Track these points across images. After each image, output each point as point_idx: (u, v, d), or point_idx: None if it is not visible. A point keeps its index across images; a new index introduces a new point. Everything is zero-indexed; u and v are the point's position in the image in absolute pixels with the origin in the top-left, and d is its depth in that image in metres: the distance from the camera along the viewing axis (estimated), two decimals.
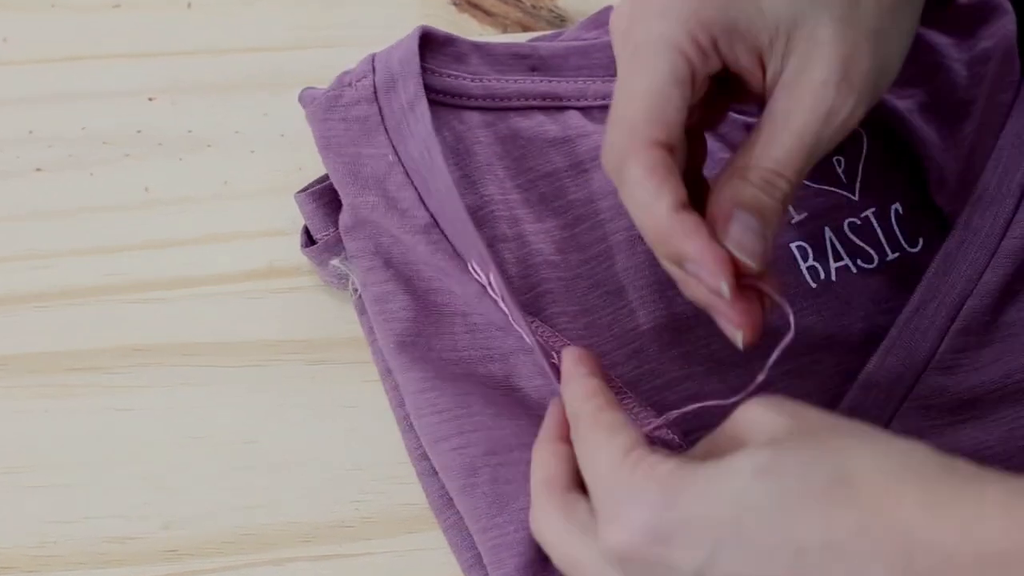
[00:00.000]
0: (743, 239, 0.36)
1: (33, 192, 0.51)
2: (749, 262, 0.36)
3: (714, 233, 0.36)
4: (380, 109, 0.46)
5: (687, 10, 0.37)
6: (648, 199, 0.36)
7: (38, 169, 0.52)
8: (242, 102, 0.54)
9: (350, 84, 0.47)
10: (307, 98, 0.49)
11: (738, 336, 0.37)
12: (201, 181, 0.52)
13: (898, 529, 0.30)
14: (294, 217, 0.49)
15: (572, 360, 0.41)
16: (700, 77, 0.37)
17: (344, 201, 0.47)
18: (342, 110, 0.47)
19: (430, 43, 0.48)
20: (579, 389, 0.39)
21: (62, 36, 0.55)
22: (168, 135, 0.53)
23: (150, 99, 0.54)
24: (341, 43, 0.55)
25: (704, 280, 0.36)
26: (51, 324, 0.49)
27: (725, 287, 0.35)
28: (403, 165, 0.46)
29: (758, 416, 0.34)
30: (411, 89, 0.46)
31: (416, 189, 0.46)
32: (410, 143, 0.45)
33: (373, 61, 0.48)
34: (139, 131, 0.53)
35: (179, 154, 0.52)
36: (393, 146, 0.46)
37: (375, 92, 0.47)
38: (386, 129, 0.46)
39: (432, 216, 0.45)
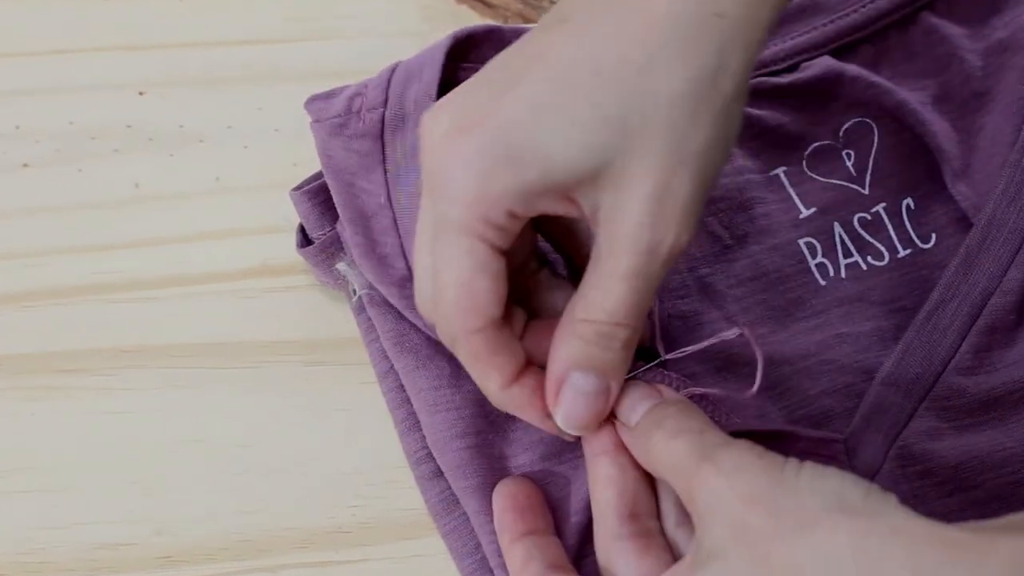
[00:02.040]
0: (573, 407, 0.38)
1: (20, 188, 0.51)
2: (574, 432, 0.39)
3: (548, 394, 0.39)
4: (383, 147, 0.46)
5: (473, 192, 0.36)
6: (480, 380, 0.39)
7: (25, 165, 0.52)
8: (235, 96, 0.53)
9: (359, 112, 0.47)
10: (314, 110, 0.48)
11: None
12: (193, 177, 0.52)
13: None
14: (289, 214, 0.49)
15: (498, 511, 0.42)
16: (508, 245, 0.38)
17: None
18: (345, 140, 0.47)
19: (474, 42, 0.48)
20: (514, 562, 0.40)
21: (49, 28, 0.55)
22: (159, 130, 0.53)
23: (140, 93, 0.53)
24: (338, 35, 0.55)
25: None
26: (39, 324, 0.48)
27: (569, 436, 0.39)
28: (392, 210, 0.45)
29: (718, 505, 0.35)
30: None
31: (400, 238, 0.45)
32: (404, 191, 0.45)
33: (388, 88, 0.47)
34: (129, 126, 0.53)
35: (170, 149, 0.52)
36: (388, 189, 0.46)
37: (382, 128, 0.46)
38: (384, 170, 0.46)
39: (410, 269, 0.45)
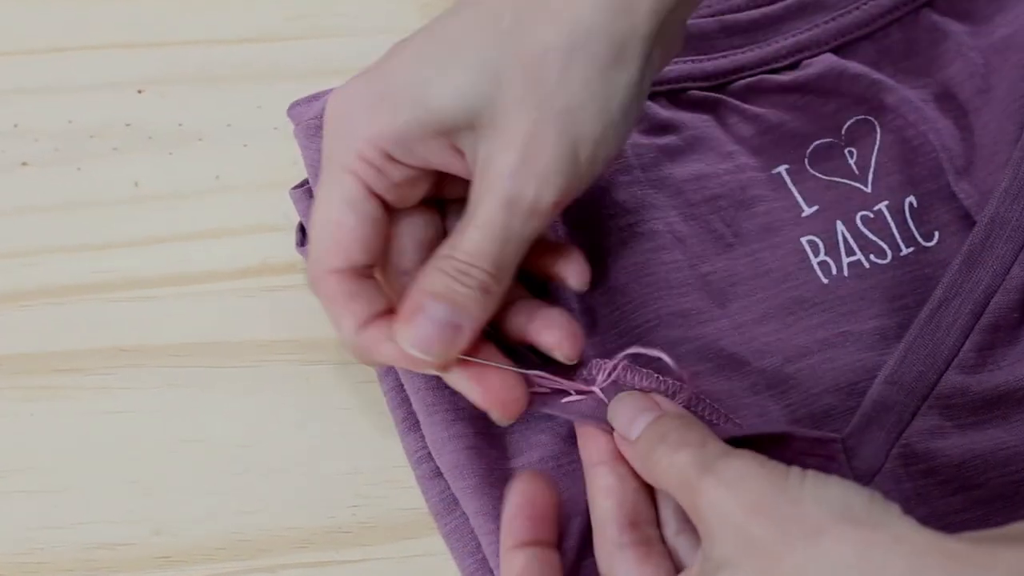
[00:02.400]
0: (421, 329, 0.38)
1: (18, 187, 0.51)
2: (416, 354, 0.39)
3: (398, 318, 0.39)
4: None
5: (354, 129, 0.39)
6: (334, 324, 0.40)
7: (24, 164, 0.52)
8: (235, 94, 0.53)
9: None
10: (295, 114, 0.48)
11: (492, 413, 0.40)
12: (192, 176, 0.51)
13: None
14: (288, 213, 0.49)
15: (509, 513, 0.41)
16: (383, 189, 0.39)
17: None
18: (320, 141, 0.46)
19: None
20: (510, 571, 0.40)
21: (48, 26, 0.55)
22: (158, 128, 0.52)
23: (139, 91, 0.53)
24: (338, 33, 0.55)
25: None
26: (38, 324, 0.48)
27: (433, 371, 0.40)
28: None
29: (722, 516, 0.35)
30: None
31: None
32: None
33: None
34: (128, 124, 0.53)
35: (169, 148, 0.52)
36: None
37: None
38: None
39: None
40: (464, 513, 0.43)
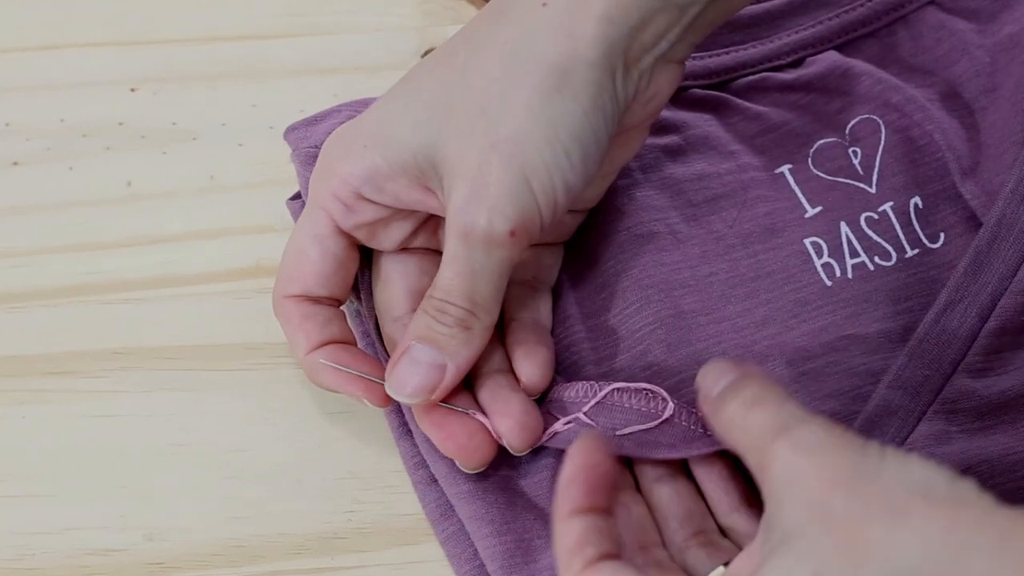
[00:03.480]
0: (404, 373, 0.40)
1: (9, 187, 0.51)
2: (400, 398, 0.41)
3: (389, 365, 0.41)
4: None
5: (331, 169, 0.41)
6: (291, 345, 0.43)
7: (15, 163, 0.52)
8: (229, 92, 0.53)
9: None
10: (292, 139, 0.48)
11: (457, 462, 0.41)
12: (186, 175, 0.51)
13: None
14: (283, 213, 0.49)
15: (566, 478, 0.39)
16: (351, 227, 0.42)
17: None
18: None
19: None
20: (567, 538, 0.38)
21: (40, 23, 0.55)
22: (151, 127, 0.52)
23: (132, 89, 0.53)
24: (335, 31, 0.55)
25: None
26: (27, 326, 0.48)
27: (367, 402, 0.42)
28: None
29: (796, 481, 0.34)
30: None
31: None
32: None
33: None
34: (121, 123, 0.53)
35: (163, 147, 0.52)
36: None
37: None
38: None
39: None
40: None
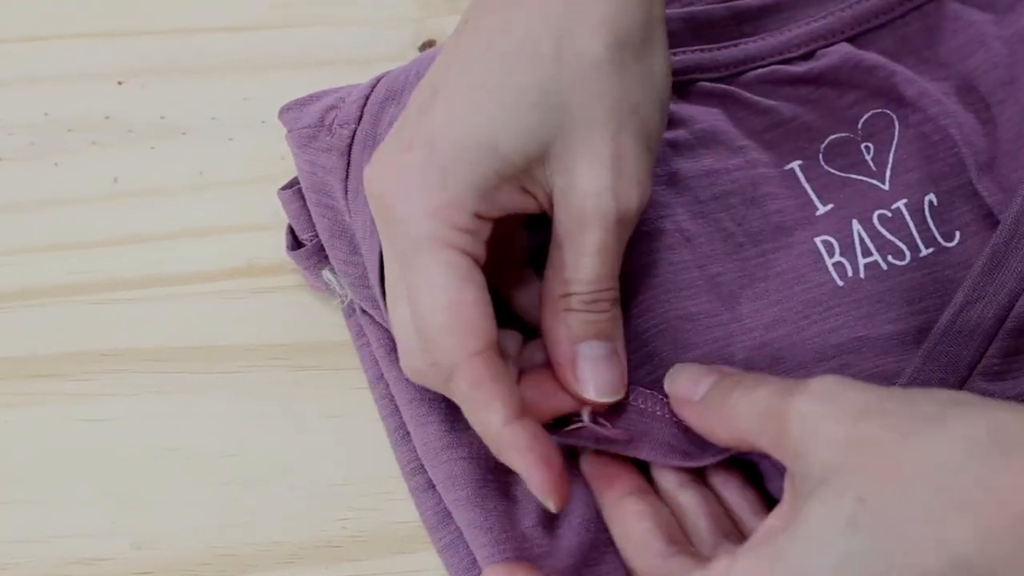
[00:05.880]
0: (598, 376, 0.40)
1: None
2: (611, 399, 0.40)
3: (568, 381, 0.40)
4: (348, 164, 0.46)
5: (435, 201, 0.38)
6: (480, 413, 0.38)
7: None
8: (220, 86, 0.53)
9: (330, 126, 0.47)
10: (287, 119, 0.48)
11: (550, 503, 0.38)
12: (175, 171, 0.51)
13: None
14: (276, 211, 0.49)
15: (590, 478, 0.43)
16: (479, 254, 0.39)
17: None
18: (312, 153, 0.47)
19: None
20: (624, 517, 0.41)
21: (23, 14, 0.55)
22: (139, 121, 0.52)
23: (119, 83, 0.53)
24: (328, 22, 0.55)
25: (533, 488, 0.38)
26: (12, 327, 0.48)
27: (551, 505, 0.38)
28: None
29: (819, 427, 0.35)
30: None
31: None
32: (359, 218, 0.45)
33: (365, 105, 0.47)
34: (107, 117, 0.53)
35: (151, 142, 0.52)
36: (348, 209, 0.46)
37: (350, 145, 0.46)
38: (346, 189, 0.46)
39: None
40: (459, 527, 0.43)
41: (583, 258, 0.39)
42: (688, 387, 0.41)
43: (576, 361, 0.40)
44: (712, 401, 0.39)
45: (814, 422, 0.35)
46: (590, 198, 0.39)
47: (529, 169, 0.39)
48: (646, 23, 0.40)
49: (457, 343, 0.37)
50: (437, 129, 0.38)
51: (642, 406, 0.42)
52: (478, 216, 0.38)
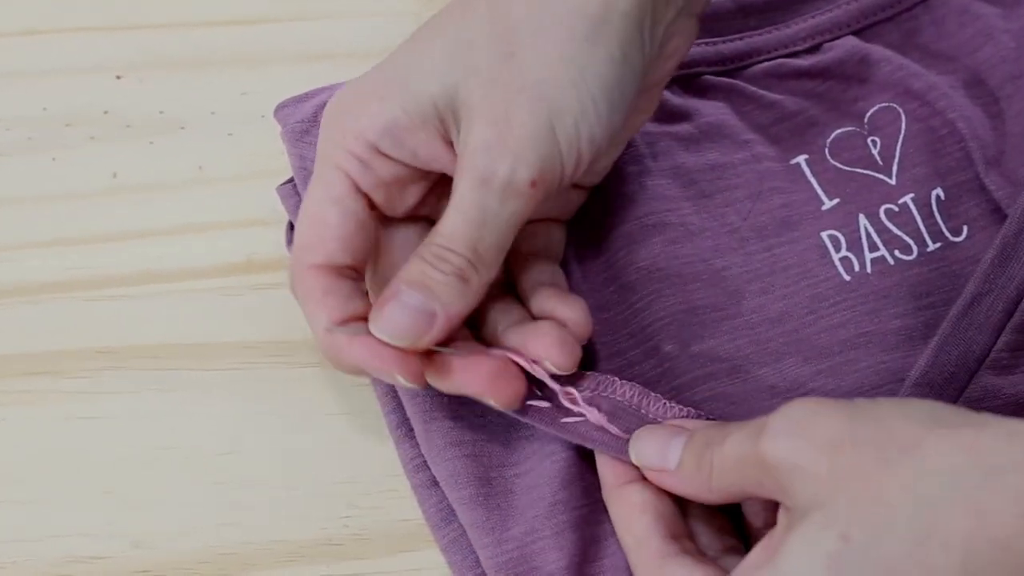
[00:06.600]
0: (399, 320, 0.39)
1: None
2: (397, 343, 0.39)
3: (374, 313, 0.40)
4: None
5: (345, 126, 0.41)
6: (308, 320, 0.41)
7: None
8: (219, 80, 0.53)
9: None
10: (281, 116, 0.49)
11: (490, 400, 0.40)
12: (174, 166, 0.51)
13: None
14: (275, 206, 0.49)
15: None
16: (369, 187, 0.41)
17: None
18: (304, 147, 0.47)
19: None
20: (625, 505, 0.41)
21: (21, 7, 0.55)
22: (137, 116, 0.52)
23: (117, 77, 0.53)
24: (329, 15, 0.55)
25: (384, 378, 0.40)
26: (9, 324, 0.48)
27: (401, 379, 0.39)
28: None
29: (796, 461, 0.35)
30: None
31: None
32: None
33: None
34: (105, 112, 0.53)
35: (149, 137, 0.52)
36: None
37: None
38: None
39: None
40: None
41: (447, 213, 0.39)
42: (658, 457, 0.40)
43: (392, 298, 0.39)
44: (688, 468, 0.39)
45: (794, 456, 0.35)
46: (466, 154, 0.39)
47: (443, 118, 0.39)
48: (597, 13, 0.39)
49: (301, 252, 0.41)
50: (380, 66, 0.41)
51: (643, 410, 0.42)
52: (379, 151, 0.40)
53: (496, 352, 0.41)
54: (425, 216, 0.44)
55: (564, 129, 0.39)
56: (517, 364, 0.41)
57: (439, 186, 0.42)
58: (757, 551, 0.36)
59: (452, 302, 0.39)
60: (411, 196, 0.42)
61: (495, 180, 0.38)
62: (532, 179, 0.38)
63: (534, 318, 0.43)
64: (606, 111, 0.39)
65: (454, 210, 0.39)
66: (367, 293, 0.43)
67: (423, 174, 0.42)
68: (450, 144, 0.40)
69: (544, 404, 0.42)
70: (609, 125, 0.40)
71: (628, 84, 0.40)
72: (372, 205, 0.41)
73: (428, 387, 0.42)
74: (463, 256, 0.39)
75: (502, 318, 0.43)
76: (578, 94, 0.39)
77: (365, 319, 0.40)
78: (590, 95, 0.39)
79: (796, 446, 0.35)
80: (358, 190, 0.41)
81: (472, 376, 0.40)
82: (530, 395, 0.42)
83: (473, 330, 0.43)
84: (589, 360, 0.45)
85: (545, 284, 0.44)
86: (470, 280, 0.39)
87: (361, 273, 0.42)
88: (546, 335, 0.41)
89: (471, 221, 0.39)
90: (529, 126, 0.38)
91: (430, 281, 0.39)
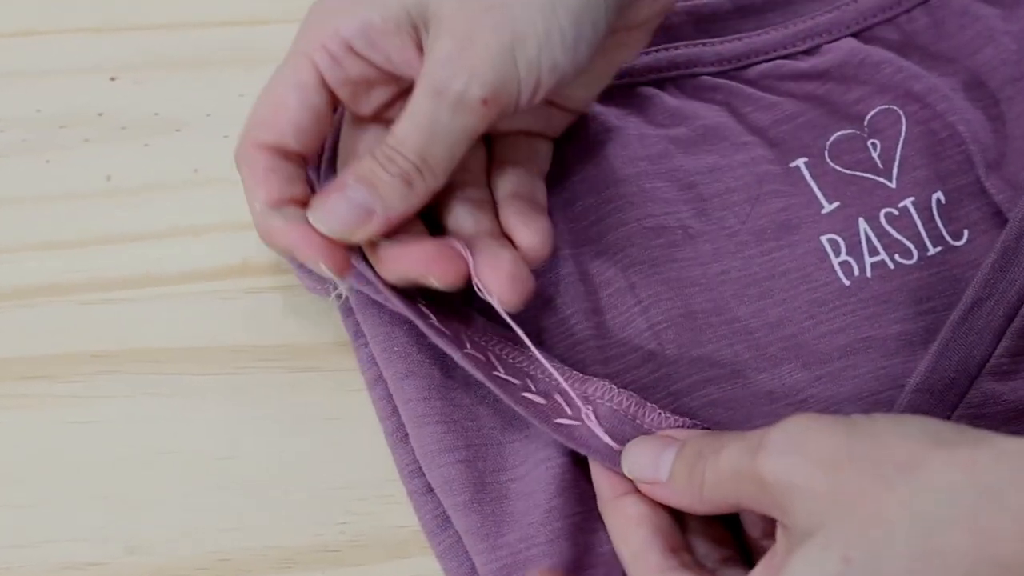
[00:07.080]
0: (329, 206, 0.40)
1: None
2: (331, 234, 0.40)
3: (318, 201, 0.41)
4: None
5: (323, 23, 0.41)
6: (248, 196, 0.41)
7: None
8: (215, 81, 0.53)
9: None
10: None
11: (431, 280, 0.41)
12: (169, 169, 0.51)
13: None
14: None
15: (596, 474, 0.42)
16: (336, 82, 0.42)
17: None
18: None
19: None
20: (621, 517, 0.41)
21: (15, 7, 0.54)
22: (132, 118, 0.52)
23: (112, 78, 0.53)
24: None
25: (310, 264, 0.41)
26: (3, 327, 0.48)
27: (324, 268, 0.40)
28: None
29: (794, 480, 0.35)
30: None
31: None
32: None
33: None
34: (100, 113, 0.52)
35: (144, 139, 0.52)
36: None
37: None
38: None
39: None
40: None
41: (402, 117, 0.40)
42: (650, 469, 0.40)
43: (338, 191, 0.40)
44: (679, 479, 0.39)
45: (791, 478, 0.35)
46: (427, 64, 0.39)
47: (415, 26, 0.40)
48: None
49: (253, 128, 0.42)
50: None
51: (638, 420, 0.42)
52: (352, 50, 0.41)
53: (445, 241, 0.42)
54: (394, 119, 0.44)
55: (525, 53, 0.39)
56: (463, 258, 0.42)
57: (410, 91, 0.43)
58: (758, 572, 0.36)
59: (393, 204, 0.40)
60: (376, 98, 0.43)
61: (448, 93, 0.39)
62: (484, 97, 0.39)
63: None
64: (572, 41, 0.40)
65: (407, 116, 0.40)
66: (308, 182, 0.43)
67: (392, 78, 0.42)
68: (421, 52, 0.41)
69: (540, 400, 0.42)
70: (575, 56, 0.40)
71: (600, 18, 0.40)
72: (333, 102, 0.42)
73: (354, 277, 0.43)
74: (410, 161, 0.40)
75: (469, 223, 0.43)
76: (544, 20, 0.39)
77: (302, 204, 0.41)
78: (558, 23, 0.39)
79: (794, 463, 0.35)
80: (324, 84, 0.42)
81: (412, 258, 0.41)
82: (525, 388, 0.42)
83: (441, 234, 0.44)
84: (585, 363, 0.45)
85: (520, 196, 0.44)
86: (414, 184, 0.40)
87: (306, 163, 0.43)
88: (499, 268, 0.41)
89: (421, 129, 0.40)
90: (492, 46, 0.39)
91: (376, 179, 0.40)
